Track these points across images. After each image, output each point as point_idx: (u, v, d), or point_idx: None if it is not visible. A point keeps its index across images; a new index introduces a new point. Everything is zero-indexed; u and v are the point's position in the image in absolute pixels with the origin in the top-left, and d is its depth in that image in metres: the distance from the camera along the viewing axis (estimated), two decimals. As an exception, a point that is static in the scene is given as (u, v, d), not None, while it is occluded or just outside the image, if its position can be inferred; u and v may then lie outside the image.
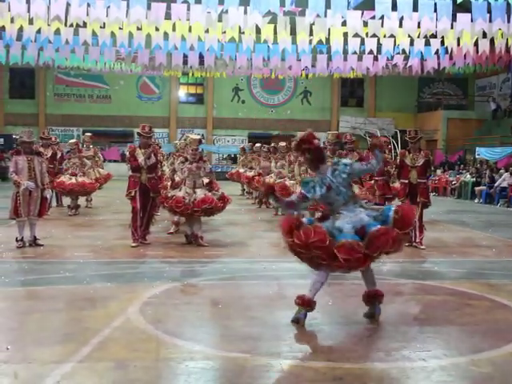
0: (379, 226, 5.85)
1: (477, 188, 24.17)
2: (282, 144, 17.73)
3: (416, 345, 5.54)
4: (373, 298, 6.33)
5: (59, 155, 16.67)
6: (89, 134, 18.99)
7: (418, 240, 11.21)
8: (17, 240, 10.47)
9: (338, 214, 6.01)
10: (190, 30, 17.15)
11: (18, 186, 10.30)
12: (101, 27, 17.28)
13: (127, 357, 5.09)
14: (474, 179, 24.93)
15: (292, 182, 13.79)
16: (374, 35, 17.76)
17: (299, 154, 6.13)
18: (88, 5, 15.13)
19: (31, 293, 7.47)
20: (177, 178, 11.45)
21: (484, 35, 16.76)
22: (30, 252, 10.11)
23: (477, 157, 28.47)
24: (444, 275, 8.93)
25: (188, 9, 15.41)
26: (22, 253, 10.05)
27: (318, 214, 12.00)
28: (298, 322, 6.04)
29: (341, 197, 6.00)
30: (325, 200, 6.13)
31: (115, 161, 32.88)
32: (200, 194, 10.84)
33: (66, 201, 16.66)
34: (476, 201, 23.72)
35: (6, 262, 9.27)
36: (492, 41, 17.20)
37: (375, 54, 20.23)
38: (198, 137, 11.90)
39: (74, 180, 15.55)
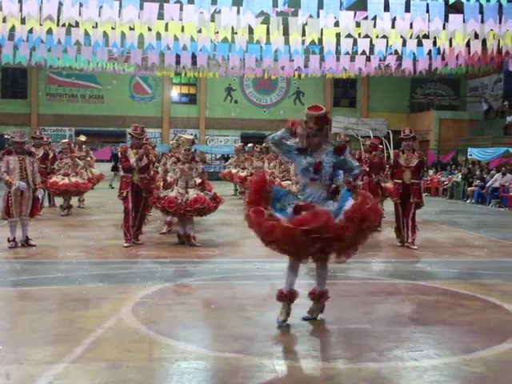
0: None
1: (469, 188, 24.25)
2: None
3: (408, 344, 5.55)
4: (319, 297, 6.29)
5: (51, 155, 16.59)
6: (83, 136, 18.81)
7: (410, 240, 11.24)
8: (9, 240, 10.44)
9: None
10: (182, 30, 17.16)
11: (9, 185, 10.26)
12: (93, 27, 17.25)
13: (120, 357, 5.08)
14: (465, 181, 25.00)
15: (288, 182, 13.79)
16: (367, 36, 17.81)
17: (318, 128, 5.78)
18: (80, 4, 15.09)
19: (23, 293, 7.44)
20: (169, 179, 11.44)
21: (476, 36, 16.84)
22: (22, 252, 10.08)
23: (469, 157, 28.55)
24: (436, 275, 8.95)
25: (181, 9, 15.41)
26: (14, 253, 10.02)
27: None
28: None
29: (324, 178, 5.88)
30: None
31: (108, 161, 32.77)
32: (192, 194, 10.82)
33: (59, 201, 16.62)
34: (468, 201, 23.80)
35: (-3, 262, 9.25)
36: (484, 41, 17.29)
37: (368, 54, 20.29)
38: (191, 137, 11.88)
39: (67, 180, 15.49)
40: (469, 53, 19.13)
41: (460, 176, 25.65)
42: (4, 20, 16.31)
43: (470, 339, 5.76)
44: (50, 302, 6.86)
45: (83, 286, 7.67)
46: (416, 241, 11.29)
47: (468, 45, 18.54)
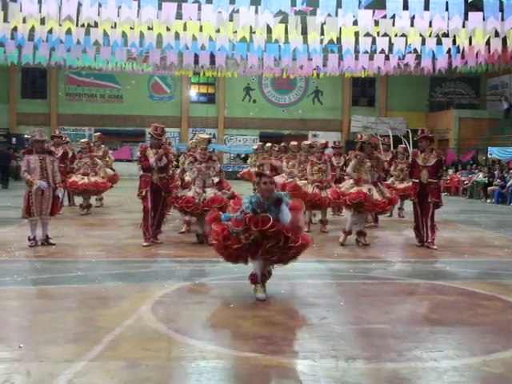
0: None
1: (489, 188, 24.06)
2: (294, 143, 17.72)
3: (428, 345, 5.52)
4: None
5: (70, 154, 16.70)
6: (97, 133, 18.95)
7: (429, 240, 11.17)
8: (29, 239, 10.52)
9: None
10: (201, 29, 17.18)
11: (30, 185, 10.34)
12: (112, 27, 17.34)
13: (139, 356, 5.10)
14: (487, 179, 24.82)
15: (304, 181, 13.75)
16: (386, 34, 17.71)
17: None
18: (99, 5, 15.17)
19: (43, 291, 7.50)
20: (187, 178, 11.47)
21: (496, 34, 16.68)
22: (43, 251, 10.15)
23: (489, 156, 28.34)
24: (456, 275, 8.90)
25: (199, 8, 15.42)
26: (34, 252, 10.09)
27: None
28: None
29: None
30: None
31: (127, 160, 32.94)
32: (210, 193, 10.85)
33: (78, 200, 16.72)
34: (488, 201, 23.61)
35: (18, 260, 9.32)
36: (504, 40, 17.11)
37: (386, 53, 20.19)
38: (207, 136, 11.90)
39: (86, 180, 15.58)
40: (489, 51, 18.95)
41: (481, 175, 25.46)
42: (24, 20, 16.43)
43: (490, 340, 5.72)
44: (70, 301, 6.91)
45: (103, 284, 7.71)
46: (435, 240, 11.23)
47: (488, 43, 18.37)
